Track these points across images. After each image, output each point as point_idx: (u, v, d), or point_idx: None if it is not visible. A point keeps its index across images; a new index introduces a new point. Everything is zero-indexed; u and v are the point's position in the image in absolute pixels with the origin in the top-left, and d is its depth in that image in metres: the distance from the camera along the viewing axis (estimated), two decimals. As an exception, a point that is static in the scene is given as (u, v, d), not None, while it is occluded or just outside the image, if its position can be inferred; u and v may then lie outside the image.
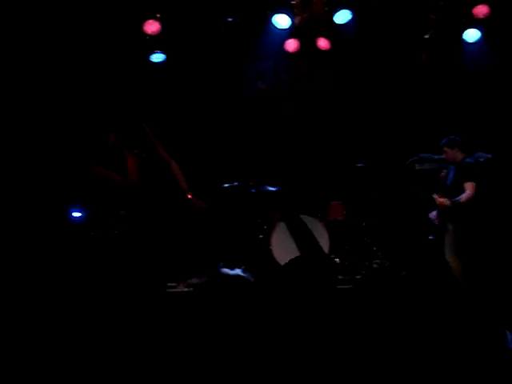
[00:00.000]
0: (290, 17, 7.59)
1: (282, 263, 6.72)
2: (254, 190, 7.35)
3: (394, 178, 7.65)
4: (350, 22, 7.57)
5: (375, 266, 7.26)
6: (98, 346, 3.81)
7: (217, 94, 8.35)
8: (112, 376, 3.47)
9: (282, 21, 7.63)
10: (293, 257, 6.67)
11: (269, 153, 8.12)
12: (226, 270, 7.22)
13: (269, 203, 7.52)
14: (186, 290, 6.30)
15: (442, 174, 6.16)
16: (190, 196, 5.32)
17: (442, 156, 6.25)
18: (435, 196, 5.78)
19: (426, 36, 7.75)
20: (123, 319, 4.21)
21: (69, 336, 4.08)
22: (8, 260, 6.27)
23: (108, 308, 4.42)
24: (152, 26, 7.60)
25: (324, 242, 7.00)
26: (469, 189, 5.67)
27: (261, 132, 8.22)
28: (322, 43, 8.02)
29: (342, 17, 7.56)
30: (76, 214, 6.83)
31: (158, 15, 7.65)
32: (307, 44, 8.03)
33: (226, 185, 7.10)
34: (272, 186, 7.42)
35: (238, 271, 7.38)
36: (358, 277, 6.81)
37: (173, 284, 6.42)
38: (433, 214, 6.09)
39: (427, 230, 6.39)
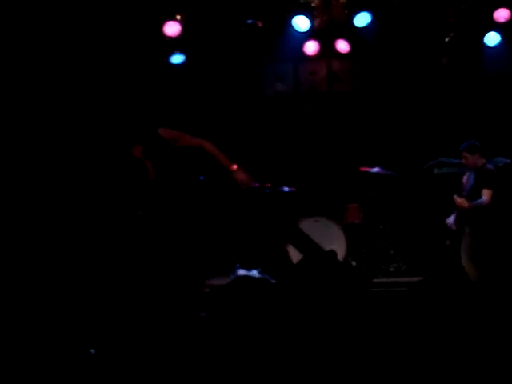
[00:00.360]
0: (309, 19, 7.61)
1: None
2: (268, 191, 7.37)
3: (412, 182, 7.63)
4: (369, 24, 7.58)
5: (392, 269, 7.24)
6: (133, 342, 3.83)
7: (235, 96, 8.38)
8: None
9: (301, 23, 7.65)
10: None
11: (287, 155, 8.12)
12: (244, 271, 7.28)
13: (284, 204, 7.55)
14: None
15: (464, 179, 6.11)
16: (235, 167, 5.00)
17: (461, 160, 6.21)
18: (455, 197, 5.75)
19: (447, 39, 7.72)
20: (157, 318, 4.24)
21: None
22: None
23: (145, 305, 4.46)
24: (172, 28, 7.66)
25: (341, 245, 7.00)
26: (486, 195, 5.63)
27: (279, 134, 8.23)
28: (342, 46, 8.02)
29: (362, 19, 7.57)
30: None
31: (178, 17, 7.71)
32: (327, 46, 8.03)
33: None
34: (288, 188, 7.44)
35: (254, 272, 7.43)
36: (376, 280, 6.81)
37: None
38: (450, 220, 6.05)
39: (444, 234, 6.36)
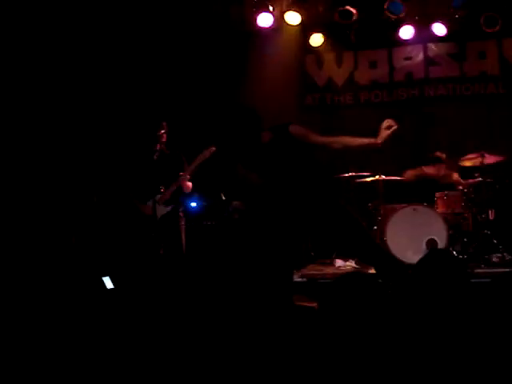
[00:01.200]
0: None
1: (399, 255, 6.59)
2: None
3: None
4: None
5: (495, 259, 6.95)
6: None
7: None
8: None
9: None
10: (409, 248, 6.51)
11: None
12: (341, 262, 7.18)
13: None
14: (300, 280, 6.29)
15: None
16: (378, 141, 5.01)
17: None
18: None
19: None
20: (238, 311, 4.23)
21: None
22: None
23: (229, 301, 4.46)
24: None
25: (442, 234, 6.78)
26: None
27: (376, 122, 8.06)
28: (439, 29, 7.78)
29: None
30: (193, 204, 6.97)
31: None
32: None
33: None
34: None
35: (352, 262, 7.32)
36: (479, 270, 6.54)
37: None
38: None
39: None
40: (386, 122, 4.72)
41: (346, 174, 7.45)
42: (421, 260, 3.69)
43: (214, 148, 6.06)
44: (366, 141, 4.79)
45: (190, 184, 6.19)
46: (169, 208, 6.20)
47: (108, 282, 4.93)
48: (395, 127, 4.69)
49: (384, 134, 4.70)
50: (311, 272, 6.15)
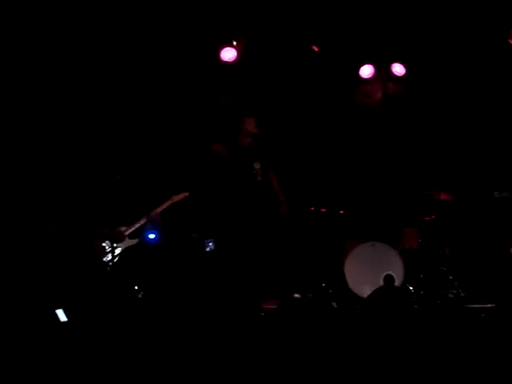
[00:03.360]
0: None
1: (356, 289, 6.67)
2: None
3: (472, 206, 7.43)
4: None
5: (451, 295, 7.05)
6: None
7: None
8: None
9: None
10: (366, 283, 6.61)
11: (339, 177, 8.05)
12: (298, 296, 7.20)
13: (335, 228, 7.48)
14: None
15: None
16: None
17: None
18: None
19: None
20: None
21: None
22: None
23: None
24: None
25: (398, 270, 6.87)
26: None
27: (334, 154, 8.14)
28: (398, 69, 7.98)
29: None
30: (151, 236, 6.92)
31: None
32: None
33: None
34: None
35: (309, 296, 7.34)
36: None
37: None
38: None
39: (508, 260, 6.17)
40: None
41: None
42: (370, 296, 3.76)
43: (187, 194, 6.36)
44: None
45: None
46: (134, 241, 6.32)
47: (61, 315, 4.84)
48: None
49: None
50: (269, 307, 6.14)
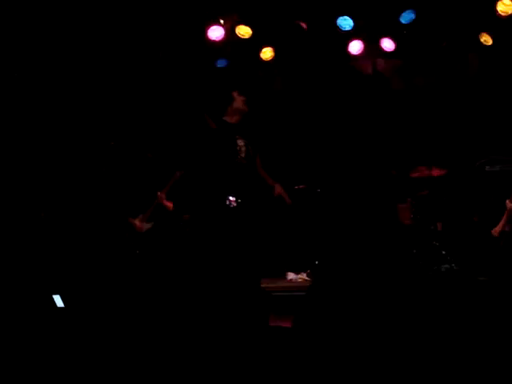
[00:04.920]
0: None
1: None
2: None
3: (463, 180, 7.46)
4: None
5: (444, 270, 7.10)
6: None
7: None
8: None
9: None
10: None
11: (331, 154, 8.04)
12: (292, 275, 7.24)
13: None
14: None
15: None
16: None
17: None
18: (508, 202, 5.59)
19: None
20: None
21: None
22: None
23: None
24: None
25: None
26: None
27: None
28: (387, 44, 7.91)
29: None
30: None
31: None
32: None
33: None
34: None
35: (303, 275, 7.40)
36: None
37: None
38: (495, 231, 5.94)
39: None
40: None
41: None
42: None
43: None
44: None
45: (170, 204, 6.79)
46: (149, 225, 6.79)
47: (58, 301, 4.83)
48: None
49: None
50: (265, 285, 6.16)
